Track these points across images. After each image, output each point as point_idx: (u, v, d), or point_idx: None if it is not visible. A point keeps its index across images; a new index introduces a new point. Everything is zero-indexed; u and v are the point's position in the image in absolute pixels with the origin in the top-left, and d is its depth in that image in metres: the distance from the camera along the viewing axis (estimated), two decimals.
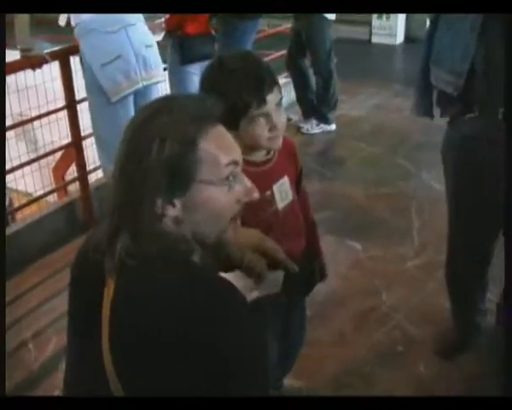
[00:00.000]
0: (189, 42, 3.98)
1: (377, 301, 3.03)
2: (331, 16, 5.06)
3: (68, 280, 1.24)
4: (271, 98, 1.64)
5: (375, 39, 9.03)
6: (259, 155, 1.78)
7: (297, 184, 1.92)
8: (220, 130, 1.16)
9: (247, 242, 1.53)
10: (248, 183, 1.21)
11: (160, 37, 3.90)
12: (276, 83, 1.67)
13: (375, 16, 8.90)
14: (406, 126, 5.08)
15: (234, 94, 1.58)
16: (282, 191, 1.82)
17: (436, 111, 2.39)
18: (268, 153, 1.80)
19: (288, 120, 5.43)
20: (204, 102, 1.17)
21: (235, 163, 1.16)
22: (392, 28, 8.84)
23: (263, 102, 1.62)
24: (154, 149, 1.08)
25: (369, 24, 9.01)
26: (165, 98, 1.24)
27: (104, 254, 1.15)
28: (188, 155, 1.10)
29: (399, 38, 8.91)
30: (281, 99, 1.68)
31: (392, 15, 8.77)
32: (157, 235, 1.13)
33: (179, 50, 4.00)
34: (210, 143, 1.12)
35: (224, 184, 1.14)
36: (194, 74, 4.19)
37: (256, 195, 1.21)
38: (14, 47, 3.22)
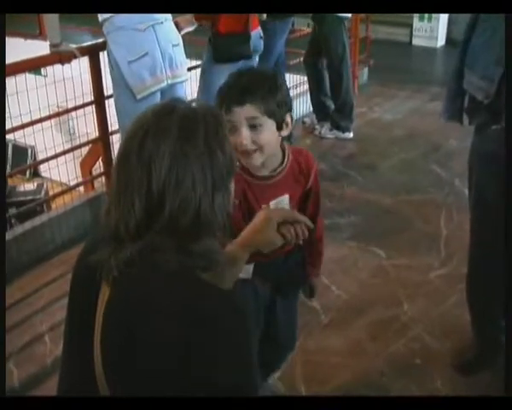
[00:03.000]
0: (223, 40, 3.93)
1: (398, 311, 2.96)
2: (345, 15, 4.89)
3: None
4: (239, 111, 1.65)
5: (415, 41, 8.88)
6: (264, 171, 1.81)
7: (302, 201, 1.92)
8: None
9: (279, 217, 1.57)
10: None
11: (191, 28, 3.85)
12: (252, 101, 1.66)
13: (416, 18, 8.74)
14: (441, 132, 4.96)
15: (217, 96, 1.71)
16: (279, 207, 1.82)
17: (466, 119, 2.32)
18: (274, 170, 1.82)
19: (303, 123, 5.45)
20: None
21: None
22: (434, 31, 8.67)
23: (227, 110, 1.65)
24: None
25: (410, 26, 8.86)
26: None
27: (103, 260, 1.13)
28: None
29: (441, 40, 8.73)
30: (257, 118, 1.67)
31: (433, 17, 8.60)
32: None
33: (212, 48, 3.97)
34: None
35: None
36: (226, 74, 4.15)
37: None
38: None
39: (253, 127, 1.67)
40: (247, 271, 1.80)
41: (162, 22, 3.22)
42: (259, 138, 1.68)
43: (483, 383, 2.49)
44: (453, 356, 2.65)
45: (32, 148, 8.69)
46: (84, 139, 4.20)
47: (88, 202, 3.89)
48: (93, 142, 4.06)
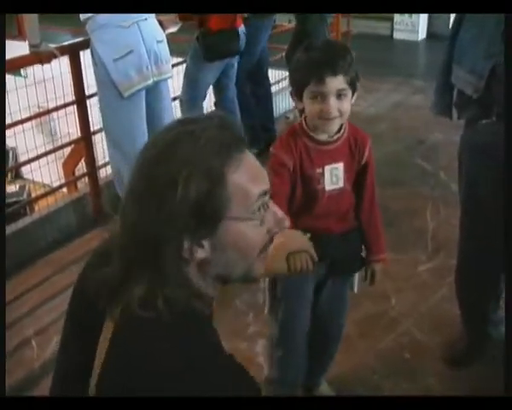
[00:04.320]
0: (213, 38, 3.90)
1: (386, 306, 2.96)
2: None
3: (74, 277, 1.17)
4: (330, 81, 1.77)
5: (397, 35, 8.91)
6: (323, 136, 1.90)
7: (357, 177, 1.99)
8: (249, 157, 1.04)
9: (295, 247, 1.62)
10: (278, 212, 1.10)
11: (175, 29, 3.83)
12: (343, 73, 1.79)
13: None
14: (425, 125, 4.97)
15: (301, 68, 1.84)
16: (333, 175, 1.93)
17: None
18: (332, 136, 1.90)
19: (286, 118, 5.42)
20: (230, 126, 1.05)
21: (266, 193, 1.05)
22: (415, 24, 8.70)
23: (320, 81, 1.77)
24: (180, 184, 0.96)
25: (391, 19, 8.88)
26: (184, 122, 1.08)
27: (109, 296, 1.03)
28: (217, 192, 0.98)
29: (422, 34, 8.76)
30: (345, 89, 1.79)
31: None
32: (182, 283, 1.02)
33: (202, 46, 3.94)
34: (240, 176, 1.01)
35: (254, 218, 1.04)
36: (213, 71, 4.13)
37: (287, 224, 1.11)
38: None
39: (339, 96, 1.80)
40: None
41: (146, 19, 3.18)
42: (343, 106, 1.82)
43: (473, 376, 2.49)
44: (443, 349, 2.65)
45: (14, 149, 8.60)
46: (66, 140, 4.15)
47: (71, 203, 3.84)
48: (75, 142, 4.01)
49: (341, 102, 1.80)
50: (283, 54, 5.25)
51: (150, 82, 3.24)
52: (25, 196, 7.37)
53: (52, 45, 3.38)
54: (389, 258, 3.26)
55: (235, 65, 4.28)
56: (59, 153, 4.69)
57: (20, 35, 7.79)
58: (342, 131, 1.92)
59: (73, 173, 6.05)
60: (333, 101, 1.79)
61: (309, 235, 1.84)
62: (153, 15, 3.29)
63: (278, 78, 5.66)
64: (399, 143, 4.90)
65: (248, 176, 1.02)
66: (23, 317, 3.00)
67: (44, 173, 4.08)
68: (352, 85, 1.82)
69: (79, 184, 4.56)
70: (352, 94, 1.84)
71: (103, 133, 3.53)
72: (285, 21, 6.19)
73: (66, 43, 3.65)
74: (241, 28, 4.02)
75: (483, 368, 2.51)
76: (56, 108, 3.82)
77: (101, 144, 3.81)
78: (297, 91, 1.86)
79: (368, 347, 2.72)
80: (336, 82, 1.78)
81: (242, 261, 1.06)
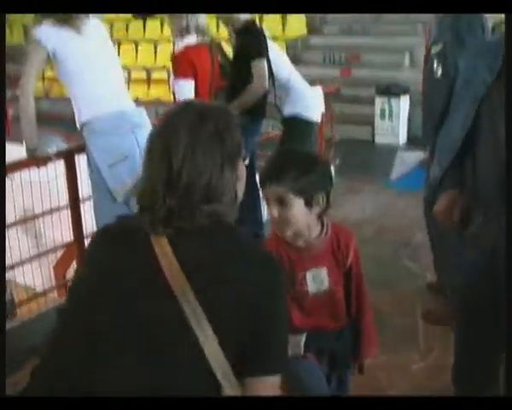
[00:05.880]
0: None
1: None
2: (316, 118, 4.97)
3: None
4: (269, 189, 1.87)
5: (378, 139, 9.17)
6: (298, 241, 1.94)
7: (345, 275, 2.01)
8: None
9: None
10: None
11: None
12: (281, 181, 1.84)
13: (377, 117, 9.06)
14: (408, 227, 5.07)
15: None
16: (316, 279, 1.95)
17: None
18: (309, 241, 1.94)
19: None
20: None
21: None
22: (395, 128, 8.98)
23: (263, 187, 1.89)
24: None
25: (372, 124, 9.16)
26: None
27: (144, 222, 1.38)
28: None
29: (402, 138, 9.03)
30: (288, 198, 1.84)
31: (393, 115, 8.91)
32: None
33: None
34: None
35: None
36: None
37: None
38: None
39: (282, 203, 1.85)
40: (297, 344, 1.90)
41: (141, 126, 3.27)
42: (287, 214, 1.86)
43: None
44: None
45: None
46: (51, 244, 4.13)
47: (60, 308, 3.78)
48: (68, 245, 4.01)
49: (284, 209, 1.84)
50: None
51: None
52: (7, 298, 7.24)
53: (49, 149, 3.43)
54: (381, 359, 3.31)
55: None
56: (48, 256, 4.67)
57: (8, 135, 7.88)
58: (322, 237, 1.95)
59: (64, 277, 6.00)
60: (273, 207, 1.86)
61: (305, 333, 1.87)
62: (148, 124, 3.36)
63: None
64: (385, 246, 4.95)
65: None
66: None
67: (29, 277, 4.03)
68: (303, 194, 1.84)
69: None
70: (310, 202, 1.86)
71: None
72: (269, 128, 6.30)
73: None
74: None
75: None
76: (48, 212, 3.84)
77: None
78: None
79: None
80: (277, 189, 1.84)
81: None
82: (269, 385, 1.37)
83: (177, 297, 1.31)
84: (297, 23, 11.60)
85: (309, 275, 1.93)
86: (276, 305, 1.40)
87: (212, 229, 1.39)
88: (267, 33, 4.46)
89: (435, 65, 3.19)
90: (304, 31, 11.61)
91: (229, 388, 1.32)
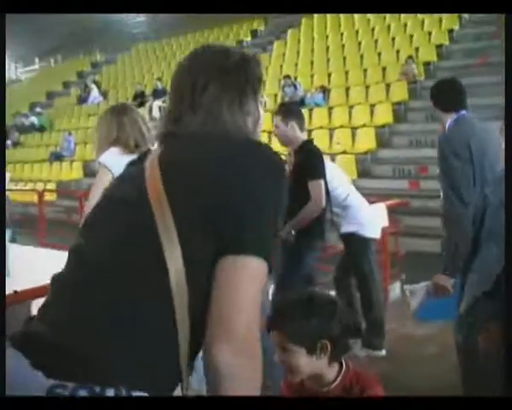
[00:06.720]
0: None
1: None
2: (373, 235, 5.00)
3: None
4: (274, 334, 1.87)
5: None
6: (311, 386, 1.88)
7: None
8: None
9: None
10: None
11: None
12: (278, 328, 1.86)
13: None
14: None
15: None
16: None
17: None
18: (321, 386, 1.87)
19: None
20: None
21: None
22: None
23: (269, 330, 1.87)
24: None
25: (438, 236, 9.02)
26: None
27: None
28: None
29: None
30: (289, 346, 1.85)
31: None
32: None
33: None
34: None
35: None
36: None
37: None
38: None
39: (284, 351, 1.81)
40: None
41: None
42: (289, 360, 1.82)
43: None
44: None
45: None
46: None
47: None
48: None
49: (287, 355, 1.81)
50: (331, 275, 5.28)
51: None
52: None
53: None
54: None
55: None
56: None
57: None
58: (334, 384, 1.86)
59: None
60: (278, 353, 1.83)
61: None
62: None
63: None
64: (446, 365, 4.75)
65: None
66: None
67: None
68: (302, 342, 1.79)
69: None
70: (312, 350, 1.79)
71: None
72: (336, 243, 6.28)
73: None
74: None
75: None
76: None
77: None
78: None
79: None
80: (278, 337, 1.82)
81: None
82: (240, 266, 1.25)
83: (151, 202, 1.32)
84: (366, 136, 11.81)
85: None
86: (257, 187, 1.33)
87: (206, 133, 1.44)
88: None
89: None
90: (373, 144, 11.78)
91: (179, 295, 1.27)
